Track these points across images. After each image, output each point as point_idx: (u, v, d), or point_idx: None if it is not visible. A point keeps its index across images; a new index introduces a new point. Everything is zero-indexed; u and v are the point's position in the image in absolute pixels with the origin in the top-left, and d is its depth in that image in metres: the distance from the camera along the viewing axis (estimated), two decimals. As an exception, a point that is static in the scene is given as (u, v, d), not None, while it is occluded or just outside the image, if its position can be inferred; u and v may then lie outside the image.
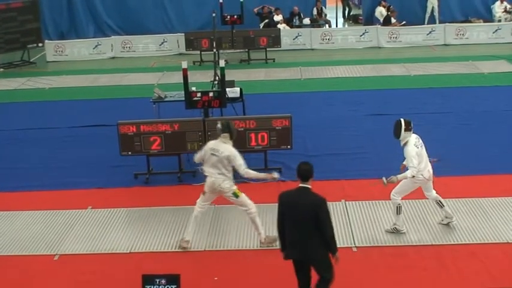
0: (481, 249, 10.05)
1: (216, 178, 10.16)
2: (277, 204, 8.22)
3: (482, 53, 23.70)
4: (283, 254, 8.32)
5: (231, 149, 10.12)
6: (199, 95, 12.94)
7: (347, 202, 11.80)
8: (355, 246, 10.32)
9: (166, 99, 15.08)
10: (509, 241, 10.28)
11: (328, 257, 8.18)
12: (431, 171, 10.42)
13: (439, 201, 10.64)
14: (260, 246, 10.38)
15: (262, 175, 10.32)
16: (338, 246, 10.16)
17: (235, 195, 10.25)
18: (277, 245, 10.03)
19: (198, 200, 10.46)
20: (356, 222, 11.07)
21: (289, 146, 13.01)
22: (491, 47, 24.78)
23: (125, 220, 11.54)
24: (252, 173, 10.22)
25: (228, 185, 10.20)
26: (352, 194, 12.15)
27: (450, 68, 21.47)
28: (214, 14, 17.80)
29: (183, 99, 13.22)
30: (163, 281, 7.98)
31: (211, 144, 10.33)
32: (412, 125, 10.28)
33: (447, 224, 10.75)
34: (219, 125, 10.33)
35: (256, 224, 10.38)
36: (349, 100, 18.19)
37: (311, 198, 8.02)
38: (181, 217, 11.45)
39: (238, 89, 14.95)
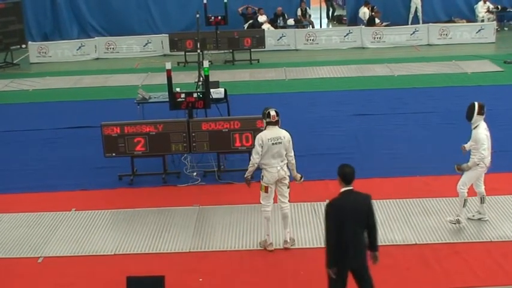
0: (465, 248, 10.10)
1: (282, 167, 10.13)
2: (328, 214, 7.87)
3: (465, 52, 23.83)
4: (342, 266, 7.89)
5: (288, 134, 10.20)
6: (183, 96, 12.93)
7: (331, 202, 11.80)
8: (340, 246, 10.32)
9: (150, 100, 15.06)
10: (493, 240, 10.34)
11: None
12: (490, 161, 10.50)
13: (483, 196, 10.74)
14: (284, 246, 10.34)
15: (295, 173, 10.37)
16: (323, 245, 10.28)
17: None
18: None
19: (262, 200, 10.28)
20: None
21: (273, 147, 12.99)
22: (474, 46, 24.93)
23: (109, 222, 11.50)
24: (294, 165, 10.29)
25: (286, 170, 10.22)
26: (336, 193, 12.08)
27: (434, 68, 21.58)
28: (198, 15, 17.75)
29: (167, 100, 13.20)
30: (147, 283, 7.98)
31: (265, 135, 10.16)
32: (485, 109, 10.41)
33: (478, 219, 10.88)
34: (273, 113, 10.21)
35: (286, 221, 10.33)
36: (333, 100, 18.23)
37: (362, 198, 7.87)
38: (166, 218, 11.44)
39: (222, 89, 14.94)
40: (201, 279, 9.50)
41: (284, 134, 10.16)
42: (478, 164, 10.31)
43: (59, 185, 13.05)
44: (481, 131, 10.30)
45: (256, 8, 26.61)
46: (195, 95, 12.98)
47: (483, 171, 10.51)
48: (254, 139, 12.70)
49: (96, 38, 26.04)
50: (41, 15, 27.88)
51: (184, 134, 12.75)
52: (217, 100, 14.54)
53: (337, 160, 13.66)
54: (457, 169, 10.46)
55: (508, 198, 11.77)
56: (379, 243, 10.13)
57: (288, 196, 10.33)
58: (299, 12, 28.13)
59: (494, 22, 26.71)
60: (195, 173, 13.15)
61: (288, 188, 10.30)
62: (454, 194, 11.82)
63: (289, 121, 15.69)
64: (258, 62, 23.27)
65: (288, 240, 10.36)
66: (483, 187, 10.69)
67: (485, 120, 10.53)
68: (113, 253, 10.40)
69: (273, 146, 10.06)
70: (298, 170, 11.80)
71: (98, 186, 13.00)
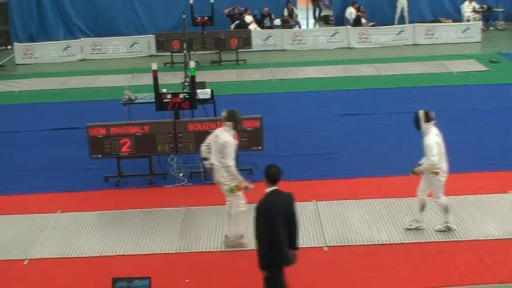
0: (450, 247, 10.16)
1: (219, 168, 10.13)
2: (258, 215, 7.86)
3: (451, 52, 23.95)
4: (278, 265, 7.97)
5: (229, 138, 10.09)
6: (169, 96, 12.90)
7: (318, 202, 11.84)
8: (326, 246, 10.36)
9: (136, 101, 15.02)
10: (478, 238, 10.40)
11: None
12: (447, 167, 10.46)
13: (424, 205, 10.62)
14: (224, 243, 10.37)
15: (240, 179, 10.19)
16: (310, 246, 10.36)
17: (231, 190, 10.15)
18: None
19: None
20: (327, 222, 11.11)
21: (260, 147, 13.03)
22: (460, 46, 25.06)
23: (96, 223, 11.47)
24: (233, 171, 10.09)
25: (226, 175, 10.12)
26: (323, 194, 12.19)
27: (420, 67, 21.66)
28: (184, 16, 17.77)
29: (154, 101, 13.16)
30: (134, 284, 7.95)
31: (215, 131, 10.38)
32: (432, 116, 10.41)
33: (415, 229, 10.71)
34: (224, 113, 10.29)
35: (236, 223, 10.26)
36: (320, 100, 18.26)
37: (287, 196, 7.97)
38: (152, 220, 11.42)
39: (209, 90, 14.93)
40: (187, 280, 9.49)
41: (223, 137, 10.11)
42: (435, 173, 10.20)
43: (44, 187, 13.00)
44: (431, 136, 10.19)
45: (243, 9, 26.62)
46: (181, 95, 12.95)
47: (444, 179, 10.42)
48: (240, 140, 12.79)
49: (82, 38, 25.96)
50: (26, 16, 27.76)
51: (170, 135, 12.73)
52: (204, 101, 14.53)
53: (324, 160, 13.91)
54: (412, 172, 10.34)
55: (493, 197, 11.83)
56: (366, 243, 10.36)
57: (234, 202, 10.24)
58: (286, 13, 28.17)
59: (480, 22, 26.86)
60: (181, 174, 13.14)
61: (233, 192, 10.17)
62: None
63: (276, 121, 15.84)
64: (245, 62, 23.28)
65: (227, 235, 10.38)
66: (426, 196, 10.59)
67: (436, 126, 10.46)
68: (99, 254, 10.36)
69: (213, 143, 10.23)
70: (286, 170, 11.76)
71: (84, 187, 12.94)
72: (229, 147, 10.04)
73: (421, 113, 10.39)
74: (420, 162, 10.42)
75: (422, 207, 10.62)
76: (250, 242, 9.73)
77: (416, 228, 10.68)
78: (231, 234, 10.39)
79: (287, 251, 7.90)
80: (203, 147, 10.47)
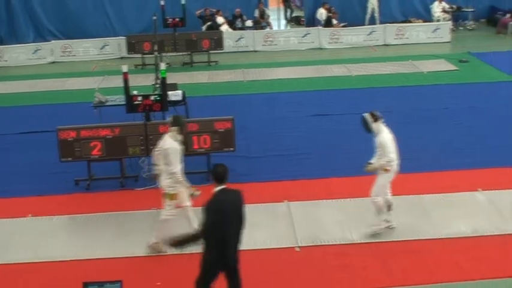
0: (420, 245, 10.25)
1: (162, 173, 10.09)
2: (205, 214, 7.87)
3: (421, 52, 24.16)
4: (222, 264, 7.99)
5: (172, 144, 10.00)
6: (140, 98, 12.84)
7: (290, 202, 11.87)
8: (298, 246, 10.39)
9: (107, 104, 14.93)
10: (448, 236, 10.49)
11: None
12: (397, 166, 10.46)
13: (390, 205, 10.66)
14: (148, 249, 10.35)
15: (186, 185, 10.13)
16: (281, 246, 10.37)
17: (168, 197, 10.11)
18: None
19: None
20: (299, 222, 11.14)
21: (232, 148, 13.03)
22: (430, 46, 25.31)
23: (67, 227, 11.40)
24: (179, 178, 9.99)
25: (166, 182, 10.05)
26: (295, 194, 12.22)
27: (390, 67, 21.82)
28: (155, 17, 17.71)
29: (124, 103, 13.09)
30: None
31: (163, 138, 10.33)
32: (378, 114, 10.45)
33: (386, 228, 10.75)
34: (169, 119, 10.26)
35: (160, 229, 10.26)
36: (292, 101, 18.31)
37: (236, 194, 8.01)
38: (124, 223, 11.37)
39: (180, 92, 14.90)
40: (159, 283, 9.46)
41: (166, 143, 10.05)
42: (386, 170, 10.20)
43: (15, 191, 12.87)
44: (384, 135, 10.23)
45: (215, 10, 26.59)
46: (152, 97, 12.89)
47: (392, 176, 10.41)
48: (212, 141, 12.82)
49: (52, 41, 25.74)
50: (-5, 18, 27.48)
51: (141, 137, 12.68)
52: (176, 102, 14.50)
53: (296, 161, 13.95)
54: (367, 169, 10.37)
55: (463, 195, 11.95)
56: (338, 243, 10.42)
57: (165, 207, 10.25)
58: (257, 14, 28.18)
59: (450, 22, 27.12)
60: None
61: (168, 199, 10.17)
62: (409, 192, 12.06)
63: (248, 122, 15.87)
64: (217, 63, 23.26)
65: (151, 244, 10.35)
66: (390, 194, 10.63)
67: (387, 125, 10.51)
68: (70, 259, 10.28)
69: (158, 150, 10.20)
70: (258, 171, 11.90)
71: (54, 191, 12.84)
72: (173, 153, 9.93)
73: (367, 115, 10.38)
74: (370, 161, 10.42)
75: (389, 207, 10.64)
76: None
77: (387, 228, 10.72)
78: (153, 240, 10.36)
79: (232, 251, 7.89)
80: (155, 153, 10.43)
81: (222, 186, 7.95)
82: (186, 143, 12.15)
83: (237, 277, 8.17)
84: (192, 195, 10.18)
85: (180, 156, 10.11)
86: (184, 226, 10.01)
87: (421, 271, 9.55)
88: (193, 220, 10.26)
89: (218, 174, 7.95)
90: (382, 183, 10.37)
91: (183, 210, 10.33)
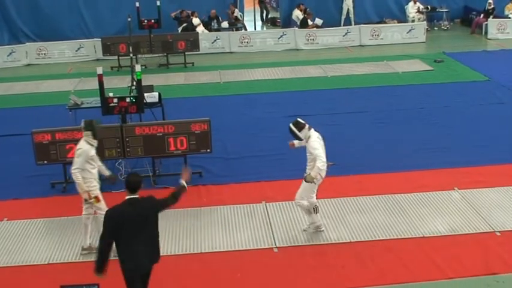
0: (397, 244, 10.31)
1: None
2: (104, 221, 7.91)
3: (396, 52, 24.31)
4: (125, 275, 7.96)
5: (84, 147, 10.02)
6: (115, 100, 12.76)
7: (267, 203, 11.88)
8: (276, 247, 10.40)
9: (82, 106, 14.82)
10: (425, 235, 10.57)
11: None
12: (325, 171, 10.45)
13: (316, 207, 10.63)
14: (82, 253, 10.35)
15: (83, 189, 10.09)
16: (260, 247, 10.38)
17: (85, 199, 10.15)
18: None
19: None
20: (276, 223, 11.15)
21: (208, 150, 12.99)
22: (405, 46, 25.48)
23: (43, 231, 11.28)
24: (78, 180, 10.01)
25: (88, 183, 10.08)
26: (272, 195, 12.24)
27: (366, 68, 21.92)
28: (129, 19, 17.60)
29: (100, 105, 13.02)
30: (81, 291, 7.87)
31: None
32: (302, 121, 10.36)
33: (311, 231, 10.78)
34: (82, 124, 10.24)
35: (86, 230, 10.30)
36: (268, 102, 18.33)
37: (146, 203, 7.93)
38: (101, 226, 11.21)
39: (157, 93, 14.84)
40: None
41: (79, 146, 10.15)
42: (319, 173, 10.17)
43: (-11, 195, 12.76)
44: (313, 139, 10.23)
45: (190, 12, 26.53)
46: (127, 99, 12.81)
47: (319, 183, 10.41)
48: (189, 143, 12.77)
49: (27, 43, 25.49)
50: (-32, 21, 27.19)
51: (117, 139, 12.62)
52: (152, 104, 14.43)
53: (273, 162, 13.96)
54: (306, 180, 10.26)
55: (437, 194, 12.04)
56: (315, 243, 10.45)
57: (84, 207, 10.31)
58: (231, 15, 28.15)
59: (425, 22, 27.31)
60: None
61: (85, 200, 10.21)
62: (386, 192, 12.14)
63: (224, 124, 15.86)
64: (193, 65, 23.21)
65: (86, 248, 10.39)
66: (315, 198, 10.57)
67: (316, 130, 10.51)
68: (46, 262, 10.21)
69: None
70: (235, 172, 11.82)
71: (30, 194, 12.72)
72: (81, 155, 9.96)
73: (292, 125, 10.38)
74: (307, 170, 10.36)
75: (315, 210, 10.58)
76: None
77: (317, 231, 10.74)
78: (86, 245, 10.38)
79: (143, 259, 7.87)
80: None
81: (132, 196, 7.87)
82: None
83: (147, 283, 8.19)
84: (85, 201, 10.16)
85: (92, 161, 10.12)
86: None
87: (398, 270, 9.61)
88: (90, 228, 10.33)
89: (129, 184, 7.88)
90: (309, 187, 10.33)
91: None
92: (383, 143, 14.84)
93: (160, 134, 12.68)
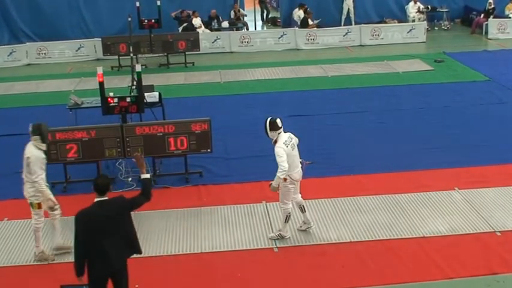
0: (398, 244, 10.31)
1: (26, 182, 10.02)
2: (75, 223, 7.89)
3: (397, 52, 24.28)
4: (92, 275, 7.90)
5: (34, 152, 9.87)
6: (116, 100, 12.77)
7: (267, 203, 11.87)
8: (277, 247, 10.40)
9: (83, 106, 14.83)
10: (425, 235, 10.57)
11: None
12: (301, 173, 10.44)
13: (302, 206, 10.67)
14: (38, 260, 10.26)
15: (48, 197, 10.01)
16: (260, 247, 10.38)
17: (31, 205, 10.07)
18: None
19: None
20: (277, 222, 11.11)
21: (209, 150, 12.99)
22: (405, 46, 25.46)
23: (43, 230, 11.23)
24: (42, 188, 9.88)
25: (29, 191, 9.99)
26: (273, 195, 12.13)
27: (366, 68, 21.91)
28: (130, 19, 17.60)
29: (100, 105, 13.02)
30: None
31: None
32: (278, 124, 10.20)
33: (305, 230, 10.77)
34: (30, 128, 10.08)
35: (37, 238, 10.22)
36: (268, 102, 18.31)
37: (114, 204, 7.93)
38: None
39: (157, 93, 14.85)
40: (137, 286, 9.40)
41: (27, 152, 9.95)
42: (285, 180, 10.12)
43: (-11, 195, 12.76)
44: (278, 144, 10.05)
45: (191, 11, 26.54)
46: (128, 99, 12.82)
47: (292, 186, 10.34)
48: (189, 143, 12.74)
49: (27, 43, 25.49)
50: (-31, 21, 27.19)
51: (118, 139, 12.61)
52: (152, 104, 14.44)
53: (273, 162, 13.77)
54: (271, 189, 10.24)
55: (437, 194, 12.03)
56: (315, 242, 10.44)
57: (33, 217, 10.19)
58: (232, 15, 28.16)
59: (425, 22, 27.29)
60: (130, 179, 13.02)
61: (33, 208, 10.13)
62: (387, 192, 12.14)
63: (225, 124, 15.86)
64: (193, 65, 23.20)
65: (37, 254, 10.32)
66: (300, 196, 10.60)
67: (288, 132, 10.42)
68: (46, 262, 10.19)
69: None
70: (236, 172, 11.79)
71: (30, 194, 12.71)
72: (33, 162, 9.81)
73: (267, 121, 10.24)
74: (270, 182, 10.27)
75: (302, 209, 10.65)
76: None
77: (308, 229, 10.76)
78: (38, 250, 10.30)
79: (114, 260, 7.85)
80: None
81: (101, 198, 7.88)
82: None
83: (124, 285, 8.17)
84: (50, 209, 10.11)
85: (44, 165, 10.01)
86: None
87: (399, 270, 9.61)
88: (58, 231, 10.31)
89: (97, 186, 7.89)
90: (283, 191, 10.30)
91: (50, 219, 10.30)
92: (383, 142, 14.83)
93: (161, 134, 12.68)
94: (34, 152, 9.86)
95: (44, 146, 10.01)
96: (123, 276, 8.12)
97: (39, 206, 10.05)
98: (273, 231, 10.77)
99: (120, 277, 8.08)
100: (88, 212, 7.88)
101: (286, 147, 10.11)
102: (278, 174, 9.97)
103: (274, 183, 10.09)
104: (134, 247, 8.14)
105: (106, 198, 7.90)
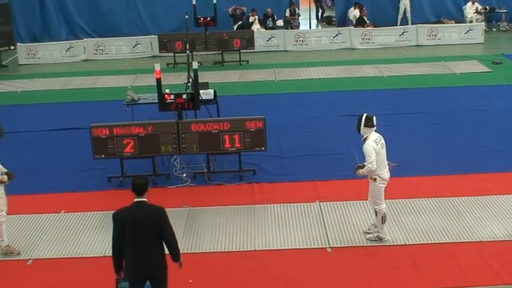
0: (454, 248, 10.14)
1: None
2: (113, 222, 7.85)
3: (454, 53, 23.91)
4: (122, 275, 7.90)
5: None
6: (172, 97, 12.90)
7: (321, 203, 11.84)
8: (330, 247, 10.35)
9: (139, 102, 15.01)
10: (482, 240, 10.37)
11: (166, 271, 8.02)
12: (389, 174, 10.32)
13: (384, 216, 10.43)
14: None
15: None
16: (313, 246, 10.34)
17: None
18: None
19: None
20: (330, 223, 11.09)
21: (263, 148, 13.01)
22: (463, 47, 25.05)
23: (99, 224, 11.46)
24: None
25: None
26: (326, 194, 12.19)
27: (422, 68, 21.64)
28: (187, 16, 17.75)
29: (157, 101, 13.15)
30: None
31: None
32: (374, 121, 10.16)
33: (370, 233, 10.60)
34: None
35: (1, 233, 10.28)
36: (322, 101, 18.25)
37: (151, 210, 7.85)
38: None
39: (212, 91, 14.92)
40: (190, 281, 9.49)
41: None
42: (374, 180, 10.05)
43: (48, 187, 13.01)
44: (368, 142, 9.96)
45: (244, 9, 26.65)
46: (184, 96, 12.95)
47: (383, 186, 10.17)
48: (243, 140, 12.77)
49: (85, 39, 25.96)
50: (29, 16, 27.79)
51: (173, 135, 12.73)
52: (207, 101, 14.52)
53: (327, 161, 13.91)
54: (356, 173, 10.19)
55: (497, 198, 11.80)
56: (369, 244, 10.34)
57: None
58: (288, 13, 28.15)
59: (483, 23, 26.83)
60: (184, 174, 13.13)
61: None
62: (443, 194, 11.95)
63: (279, 122, 15.87)
64: (248, 63, 23.27)
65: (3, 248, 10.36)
66: (383, 205, 10.34)
67: (378, 131, 10.32)
68: (102, 255, 10.33)
69: None
70: (289, 171, 11.71)
71: (87, 188, 12.95)
72: None
73: (363, 116, 10.15)
74: (360, 164, 10.20)
75: (383, 219, 10.42)
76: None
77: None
78: (4, 244, 10.38)
79: (135, 262, 7.77)
80: None
81: (139, 199, 7.84)
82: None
83: None
84: None
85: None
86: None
87: (453, 273, 9.46)
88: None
89: (134, 186, 7.85)
90: (374, 192, 10.19)
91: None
92: (440, 144, 14.63)
93: (216, 131, 12.75)
94: None
95: None
96: (160, 282, 7.99)
97: None
98: (370, 232, 10.55)
99: (157, 283, 7.96)
100: (124, 211, 7.87)
101: (376, 145, 10.04)
102: (364, 171, 9.99)
103: (360, 172, 10.06)
104: (172, 255, 8.01)
105: (144, 199, 7.86)
